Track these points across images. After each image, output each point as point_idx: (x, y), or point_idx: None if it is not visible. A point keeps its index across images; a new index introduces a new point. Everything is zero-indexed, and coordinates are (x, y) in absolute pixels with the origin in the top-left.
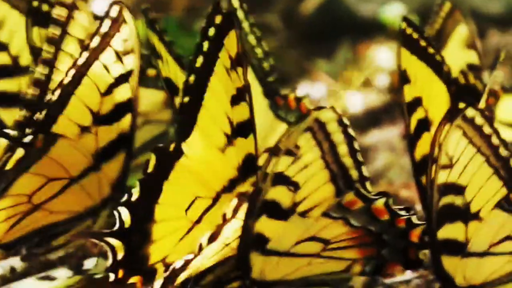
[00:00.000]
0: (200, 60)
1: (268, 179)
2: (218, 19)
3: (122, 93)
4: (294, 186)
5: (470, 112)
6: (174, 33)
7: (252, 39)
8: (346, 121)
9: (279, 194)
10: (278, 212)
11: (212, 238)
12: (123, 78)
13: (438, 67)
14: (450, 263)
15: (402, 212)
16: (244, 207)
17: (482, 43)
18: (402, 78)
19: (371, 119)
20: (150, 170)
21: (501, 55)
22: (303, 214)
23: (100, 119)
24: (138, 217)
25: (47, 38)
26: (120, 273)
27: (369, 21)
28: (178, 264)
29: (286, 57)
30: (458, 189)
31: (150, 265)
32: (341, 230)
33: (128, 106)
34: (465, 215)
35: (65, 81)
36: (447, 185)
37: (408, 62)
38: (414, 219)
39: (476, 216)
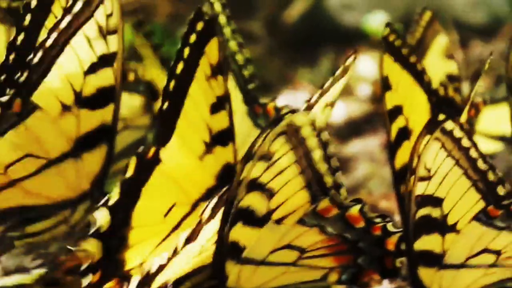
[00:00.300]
0: (180, 66)
1: (242, 186)
2: (199, 25)
3: (106, 78)
4: (269, 193)
5: (449, 124)
6: (159, 40)
7: (233, 45)
8: (319, 125)
9: (254, 201)
10: (253, 220)
11: (188, 240)
12: (106, 60)
13: (420, 76)
14: (426, 274)
15: (378, 220)
16: (221, 211)
17: (465, 53)
18: (384, 85)
19: (352, 128)
20: (129, 174)
21: (485, 65)
22: (278, 222)
23: (82, 101)
24: (115, 221)
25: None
26: (96, 277)
27: (352, 30)
28: (153, 267)
29: (268, 65)
30: (436, 201)
31: (126, 271)
32: (316, 238)
33: (111, 95)
34: (442, 227)
35: (47, 44)
36: (425, 197)
37: (391, 69)
38: (390, 226)
39: (453, 228)
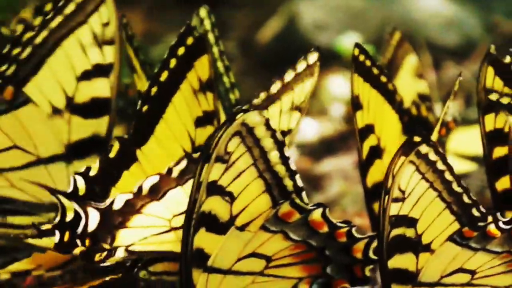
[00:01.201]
0: (165, 75)
1: (202, 189)
2: (189, 40)
3: (101, 88)
4: (229, 196)
5: (424, 148)
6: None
7: (220, 66)
8: (273, 126)
9: (215, 206)
10: (217, 226)
11: (154, 189)
12: (102, 71)
13: (391, 96)
14: None
15: (342, 225)
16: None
17: (437, 74)
18: (354, 104)
19: (325, 147)
20: (111, 155)
21: (455, 85)
22: (242, 228)
23: (74, 107)
24: (93, 192)
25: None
26: (66, 236)
27: (325, 51)
28: (117, 202)
29: (242, 85)
30: (410, 222)
31: (113, 246)
32: (281, 245)
33: (106, 107)
34: (416, 246)
35: (36, 41)
36: (399, 217)
37: (361, 89)
38: (355, 232)
39: (427, 248)
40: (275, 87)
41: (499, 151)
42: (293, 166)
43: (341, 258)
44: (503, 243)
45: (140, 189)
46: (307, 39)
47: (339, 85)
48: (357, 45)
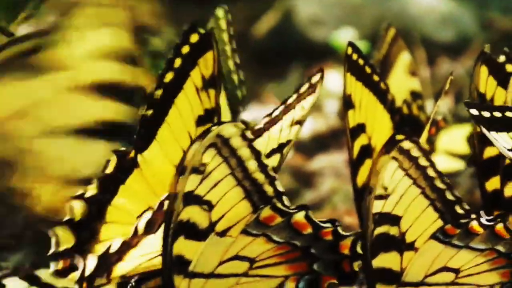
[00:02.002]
0: (170, 76)
1: (178, 199)
2: (194, 38)
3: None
4: (207, 205)
5: (407, 144)
6: None
7: (231, 64)
8: (250, 136)
9: (193, 214)
10: (196, 233)
11: (148, 226)
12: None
13: (382, 95)
14: None
15: (326, 224)
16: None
17: (432, 70)
18: (346, 103)
19: (318, 144)
20: (109, 170)
21: (446, 84)
22: (223, 234)
23: None
24: (90, 213)
25: None
26: (61, 264)
27: (321, 46)
28: (114, 246)
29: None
30: (393, 219)
31: (109, 279)
32: (264, 247)
33: None
34: (400, 245)
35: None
36: (382, 214)
37: (353, 88)
38: (340, 230)
39: (411, 247)
40: (277, 111)
41: (490, 151)
42: (272, 173)
43: (328, 255)
44: (486, 240)
45: (136, 230)
46: (302, 34)
47: (333, 81)
48: (350, 43)
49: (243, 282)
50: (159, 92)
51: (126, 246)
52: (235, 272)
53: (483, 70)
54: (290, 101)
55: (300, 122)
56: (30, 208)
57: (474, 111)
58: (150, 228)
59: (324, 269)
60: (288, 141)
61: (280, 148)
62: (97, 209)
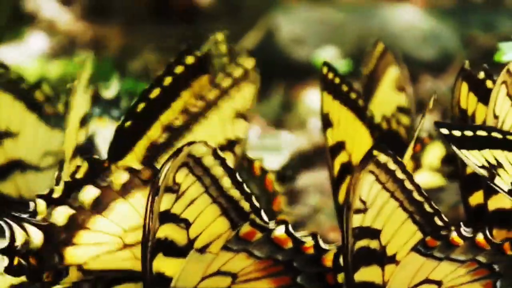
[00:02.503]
0: (156, 92)
1: (154, 218)
2: (189, 59)
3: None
4: (184, 223)
5: (383, 157)
6: (108, 74)
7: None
8: (221, 154)
9: (170, 232)
10: (175, 250)
11: (97, 203)
12: (231, 145)
13: (361, 112)
14: None
15: (307, 239)
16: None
17: (414, 88)
18: (325, 122)
19: (302, 161)
20: (79, 176)
21: (430, 103)
22: (202, 250)
23: None
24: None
25: None
26: (16, 260)
27: (303, 65)
28: (57, 217)
29: None
30: (373, 233)
31: (63, 265)
32: (246, 263)
33: None
34: (381, 258)
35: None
36: (362, 228)
37: (330, 107)
38: (322, 244)
39: (392, 259)
40: (211, 94)
41: None
42: (247, 189)
43: (311, 268)
44: (466, 252)
45: (81, 204)
46: (285, 52)
47: (316, 98)
48: (325, 63)
49: None
50: (141, 105)
51: (74, 222)
52: (218, 287)
53: (464, 86)
54: (224, 84)
55: (244, 117)
56: None
57: (444, 131)
58: (97, 206)
59: (308, 282)
60: (238, 139)
61: (229, 146)
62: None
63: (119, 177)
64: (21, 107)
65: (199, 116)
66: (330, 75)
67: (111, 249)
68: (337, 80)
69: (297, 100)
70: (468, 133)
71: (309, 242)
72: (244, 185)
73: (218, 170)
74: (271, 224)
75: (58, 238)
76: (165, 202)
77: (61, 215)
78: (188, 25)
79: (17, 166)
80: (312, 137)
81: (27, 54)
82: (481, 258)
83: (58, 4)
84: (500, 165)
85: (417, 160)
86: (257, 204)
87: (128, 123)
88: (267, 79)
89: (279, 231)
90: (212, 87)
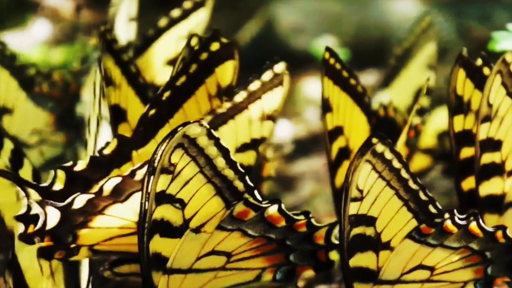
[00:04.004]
0: (182, 80)
1: (150, 199)
2: (215, 46)
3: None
4: (180, 203)
5: (380, 147)
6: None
7: None
8: (215, 134)
9: (166, 213)
10: (171, 231)
11: (117, 191)
12: (255, 144)
13: (359, 98)
14: None
15: (300, 217)
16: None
17: None
18: (324, 106)
19: (298, 149)
20: (107, 152)
21: (423, 89)
22: (197, 230)
23: None
24: (73, 187)
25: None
26: (31, 228)
27: (301, 54)
28: (77, 203)
29: None
30: (369, 220)
31: (76, 245)
32: (240, 242)
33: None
34: (376, 244)
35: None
36: (358, 216)
37: (331, 92)
38: (314, 222)
39: (387, 246)
40: (239, 97)
41: (467, 152)
42: (241, 168)
43: (303, 246)
44: (459, 239)
45: (101, 189)
46: (284, 42)
47: (314, 88)
48: (327, 48)
49: (221, 275)
50: (167, 94)
51: (91, 207)
52: (212, 267)
53: (461, 73)
54: (253, 87)
55: (272, 118)
56: None
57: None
58: (117, 194)
59: (300, 260)
60: (263, 138)
61: (254, 145)
62: (83, 184)
63: (142, 168)
64: (15, 84)
65: (227, 118)
66: (332, 61)
67: (123, 233)
68: (338, 66)
69: (295, 89)
70: None
71: (301, 220)
72: (238, 165)
73: (212, 150)
74: (264, 203)
75: (75, 220)
76: (161, 183)
77: (80, 199)
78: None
79: (14, 142)
80: (309, 125)
81: (31, 41)
82: (474, 245)
83: None
84: None
85: (411, 146)
86: (250, 184)
87: (152, 111)
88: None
89: (272, 210)
90: (241, 89)
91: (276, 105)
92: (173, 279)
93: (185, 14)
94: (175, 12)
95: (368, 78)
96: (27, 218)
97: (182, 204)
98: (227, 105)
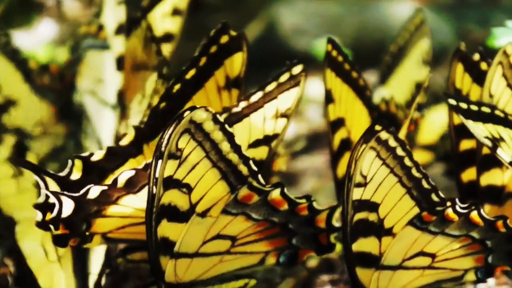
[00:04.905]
0: (191, 73)
1: (158, 185)
2: (224, 38)
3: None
4: (187, 188)
5: (384, 134)
6: None
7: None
8: (221, 119)
9: (174, 198)
10: (178, 215)
11: (131, 183)
12: (267, 140)
13: (361, 91)
14: (364, 274)
15: (302, 200)
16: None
17: None
18: (327, 97)
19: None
20: (124, 143)
21: (425, 82)
22: (203, 214)
23: None
24: (90, 176)
25: None
26: (48, 216)
27: (302, 54)
28: (91, 193)
29: None
30: (372, 206)
31: (89, 233)
32: (244, 225)
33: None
34: (379, 230)
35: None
36: (362, 201)
37: (333, 83)
38: (316, 205)
39: (389, 232)
40: (256, 97)
41: (466, 144)
42: (245, 153)
43: (305, 230)
44: (461, 227)
45: (115, 181)
46: (285, 43)
47: (315, 87)
48: (330, 41)
49: (226, 259)
50: (177, 87)
51: (105, 197)
52: (218, 251)
53: (459, 67)
54: (269, 88)
55: (286, 116)
56: None
57: (452, 101)
58: (131, 186)
59: (302, 243)
60: (276, 135)
61: (267, 141)
62: (99, 174)
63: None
64: (19, 77)
65: (242, 116)
66: (334, 53)
67: (135, 221)
68: (340, 59)
69: None
70: (474, 107)
71: (303, 203)
72: (242, 149)
73: (218, 135)
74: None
75: (89, 209)
76: (169, 168)
77: (95, 190)
78: (191, 16)
79: (18, 134)
80: (311, 123)
81: (37, 40)
82: (474, 234)
83: None
84: (502, 139)
85: (411, 139)
86: (254, 168)
87: (163, 104)
88: (268, 68)
89: (275, 193)
90: (257, 90)
91: (291, 104)
92: (180, 263)
93: None
94: None
95: (368, 79)
96: (45, 206)
97: (189, 189)
98: (242, 104)
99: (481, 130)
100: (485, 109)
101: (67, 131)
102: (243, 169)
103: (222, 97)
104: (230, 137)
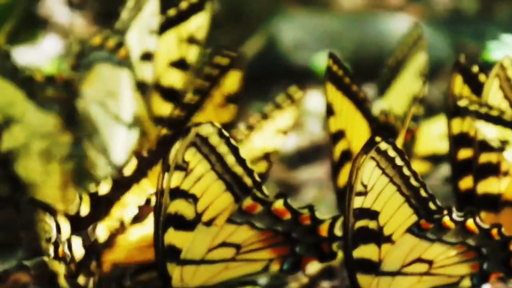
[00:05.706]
0: (190, 97)
1: (165, 195)
2: (220, 60)
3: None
4: (193, 198)
5: (384, 145)
6: None
7: None
8: (226, 133)
9: (180, 207)
10: (184, 224)
11: (136, 219)
12: (267, 156)
13: (361, 104)
14: (364, 280)
15: (304, 210)
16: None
17: None
18: (328, 110)
19: (301, 157)
20: (128, 173)
21: (421, 92)
22: (209, 223)
23: None
24: (97, 211)
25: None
26: (72, 267)
27: (303, 69)
28: (100, 235)
29: None
30: (372, 214)
31: (100, 266)
32: (248, 234)
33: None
34: (379, 237)
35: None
36: (362, 210)
37: (334, 97)
38: (318, 214)
39: (388, 239)
40: (254, 119)
41: (464, 153)
42: (249, 165)
43: (308, 238)
44: (457, 235)
45: (122, 224)
46: (286, 57)
47: (315, 101)
48: (331, 55)
49: (231, 266)
50: (176, 112)
51: (114, 236)
52: (223, 258)
53: (458, 78)
54: (268, 110)
55: (285, 133)
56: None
57: (463, 102)
58: (136, 220)
59: (305, 251)
60: (275, 151)
61: (265, 157)
62: (105, 206)
63: None
64: (21, 96)
65: (242, 139)
66: (335, 67)
67: (142, 245)
68: (340, 73)
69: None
70: (483, 109)
71: (306, 213)
72: (247, 162)
73: (223, 148)
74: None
75: (99, 251)
76: (175, 179)
77: (103, 231)
78: None
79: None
80: (311, 136)
81: (42, 56)
82: (470, 241)
83: (71, 9)
84: (509, 142)
85: (408, 149)
86: (258, 179)
87: (164, 131)
88: (268, 83)
89: (278, 204)
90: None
91: (288, 122)
92: (186, 270)
93: (183, 15)
94: (171, 12)
95: (367, 91)
96: (57, 243)
97: (195, 199)
98: (244, 131)
99: (491, 131)
100: (494, 112)
101: (74, 139)
102: (248, 181)
103: (219, 114)
104: (235, 151)
